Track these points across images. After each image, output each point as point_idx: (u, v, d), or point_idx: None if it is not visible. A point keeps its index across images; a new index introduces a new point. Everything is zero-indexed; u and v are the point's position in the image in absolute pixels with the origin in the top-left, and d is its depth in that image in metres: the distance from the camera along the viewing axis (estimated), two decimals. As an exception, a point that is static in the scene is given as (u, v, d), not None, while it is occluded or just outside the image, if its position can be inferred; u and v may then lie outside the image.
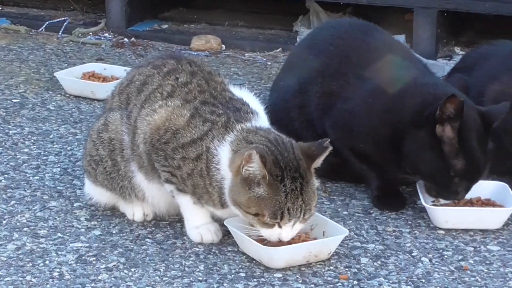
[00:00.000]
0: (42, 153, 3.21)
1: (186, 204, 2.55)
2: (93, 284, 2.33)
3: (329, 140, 2.44)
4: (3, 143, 3.28)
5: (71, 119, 3.50)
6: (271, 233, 2.37)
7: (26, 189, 2.95)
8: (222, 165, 2.41)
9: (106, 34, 4.33)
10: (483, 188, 2.73)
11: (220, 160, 2.42)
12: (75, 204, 2.83)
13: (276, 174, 2.33)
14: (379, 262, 2.45)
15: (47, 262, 2.45)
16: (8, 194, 2.89)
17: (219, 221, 2.57)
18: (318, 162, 2.41)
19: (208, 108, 2.51)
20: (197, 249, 2.52)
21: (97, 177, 2.70)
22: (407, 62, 3.03)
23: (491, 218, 2.67)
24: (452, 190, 2.69)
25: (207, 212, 2.57)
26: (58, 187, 2.96)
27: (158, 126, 2.51)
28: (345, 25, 3.31)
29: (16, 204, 2.83)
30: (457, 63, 3.48)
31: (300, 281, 2.33)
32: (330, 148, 2.40)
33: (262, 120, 2.53)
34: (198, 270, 2.41)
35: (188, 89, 2.54)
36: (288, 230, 2.36)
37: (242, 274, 2.38)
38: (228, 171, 2.39)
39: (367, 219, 2.72)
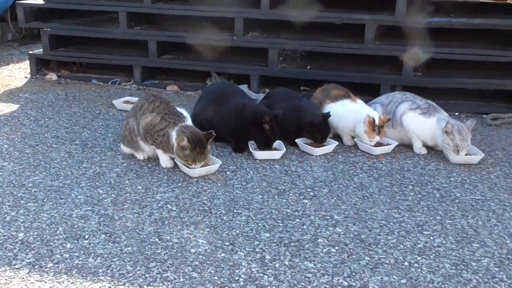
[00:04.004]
0: (105, 133, 3.29)
1: (160, 153, 2.75)
2: (122, 185, 2.55)
3: (213, 131, 2.65)
4: (91, 129, 3.35)
5: (118, 119, 3.56)
6: (193, 167, 2.63)
7: (97, 147, 3.05)
8: (173, 139, 2.62)
9: (134, 85, 4.39)
10: (275, 144, 2.97)
11: (173, 137, 2.62)
12: (117, 153, 2.96)
13: (193, 146, 2.56)
14: (234, 173, 2.73)
15: (104, 177, 2.65)
16: (89, 150, 3.02)
17: (172, 159, 2.76)
18: (210, 140, 2.64)
19: (167, 116, 2.69)
20: (164, 170, 2.73)
21: (125, 143, 2.86)
22: (244, 97, 3.18)
23: (277, 155, 2.94)
24: (267, 146, 2.95)
25: (168, 156, 2.74)
26: (111, 146, 3.06)
27: (147, 123, 2.70)
28: (219, 84, 3.52)
29: (93, 153, 2.97)
30: (264, 95, 3.56)
31: (203, 181, 2.62)
32: (214, 135, 2.64)
33: (188, 121, 2.71)
34: (165, 179, 2.63)
35: (159, 109, 2.72)
36: (198, 165, 2.62)
37: (181, 179, 2.63)
38: (175, 142, 2.61)
39: (230, 157, 2.95)
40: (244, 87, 4.18)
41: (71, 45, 4.75)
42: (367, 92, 3.98)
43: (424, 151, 3.11)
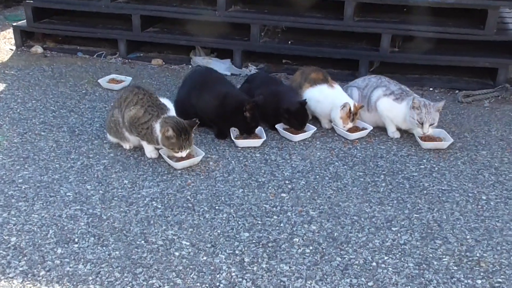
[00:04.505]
0: (92, 117, 3.24)
1: (145, 144, 2.74)
2: (109, 179, 2.56)
3: (198, 119, 2.66)
4: (78, 113, 3.29)
5: (104, 99, 3.51)
6: (179, 155, 2.63)
7: (84, 134, 3.01)
8: (156, 131, 2.62)
9: (119, 58, 4.29)
10: (256, 131, 2.97)
11: (156, 129, 2.62)
12: (104, 142, 2.93)
13: (178, 134, 2.56)
14: (217, 162, 2.73)
15: (92, 170, 2.64)
16: (76, 138, 2.97)
17: (157, 150, 2.77)
18: (194, 128, 2.63)
19: (150, 108, 2.67)
20: (149, 161, 2.74)
21: (111, 133, 2.85)
22: (225, 83, 3.13)
23: (257, 143, 2.93)
24: (248, 132, 2.96)
25: (152, 147, 2.74)
26: (98, 133, 3.03)
27: (131, 116, 2.68)
28: (201, 70, 3.29)
29: (80, 142, 2.93)
30: (245, 79, 3.46)
31: (187, 174, 2.63)
32: (198, 123, 2.65)
33: (171, 112, 2.69)
34: (150, 170, 2.65)
35: (143, 101, 2.69)
36: (183, 153, 2.62)
37: (166, 171, 2.64)
38: (159, 133, 2.60)
39: (212, 144, 2.95)
40: (227, 62, 4.14)
41: (55, 16, 4.60)
42: (347, 66, 4.04)
43: (397, 135, 3.15)
